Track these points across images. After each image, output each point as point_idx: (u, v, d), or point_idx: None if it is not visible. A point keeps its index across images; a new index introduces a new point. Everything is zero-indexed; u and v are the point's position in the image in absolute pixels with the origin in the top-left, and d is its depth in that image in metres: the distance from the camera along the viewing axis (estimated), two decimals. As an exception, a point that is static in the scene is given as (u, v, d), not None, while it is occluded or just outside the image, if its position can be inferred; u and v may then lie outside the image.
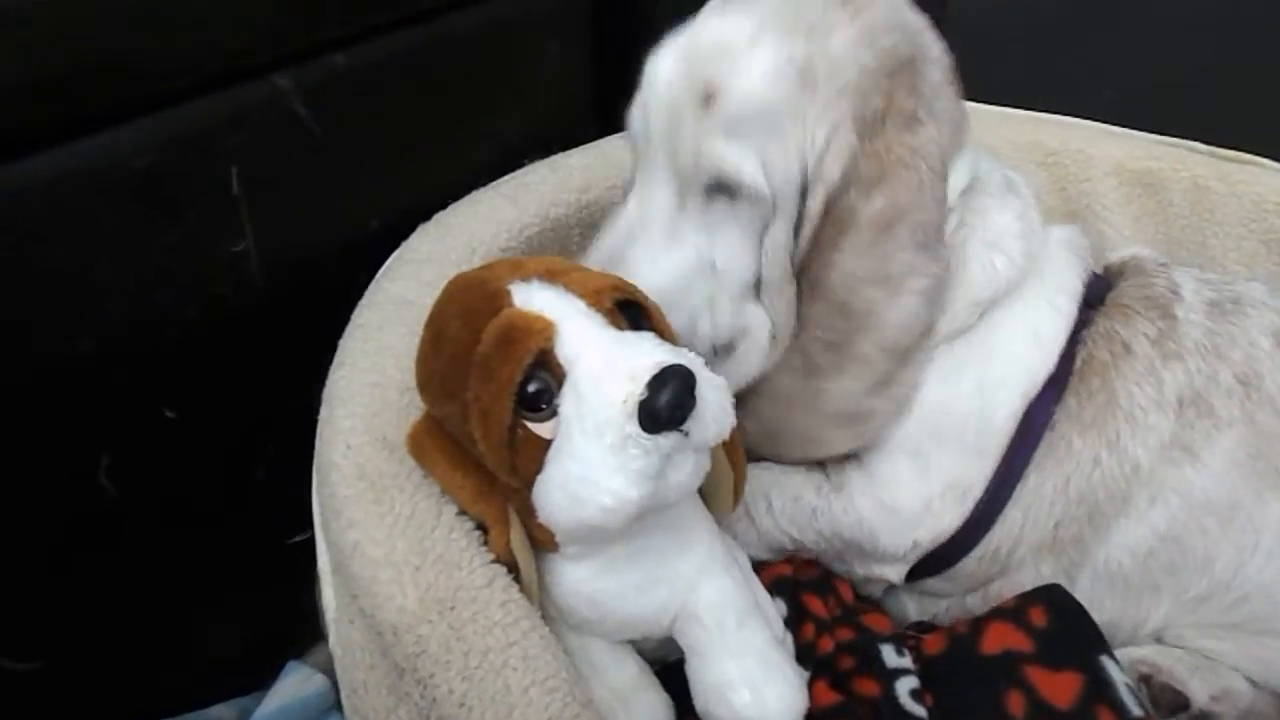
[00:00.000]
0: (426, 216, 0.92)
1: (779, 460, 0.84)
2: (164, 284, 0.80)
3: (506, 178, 1.00)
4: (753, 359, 0.80)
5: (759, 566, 0.82)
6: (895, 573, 0.83)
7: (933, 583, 0.85)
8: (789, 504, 0.83)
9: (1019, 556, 0.82)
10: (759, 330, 0.79)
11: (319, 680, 1.01)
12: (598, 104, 1.19)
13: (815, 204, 0.73)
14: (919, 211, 0.73)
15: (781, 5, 0.72)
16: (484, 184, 0.98)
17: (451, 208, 0.95)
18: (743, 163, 0.71)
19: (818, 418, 0.78)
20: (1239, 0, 1.38)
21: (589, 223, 1.01)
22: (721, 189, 0.73)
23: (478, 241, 0.90)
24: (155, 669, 0.94)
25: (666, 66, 0.72)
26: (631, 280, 0.68)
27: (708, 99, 0.70)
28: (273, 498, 0.88)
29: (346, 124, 0.90)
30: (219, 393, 0.88)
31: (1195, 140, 1.08)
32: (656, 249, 0.75)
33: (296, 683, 1.01)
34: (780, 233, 0.75)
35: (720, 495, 0.72)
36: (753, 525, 0.84)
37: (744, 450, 0.72)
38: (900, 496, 0.80)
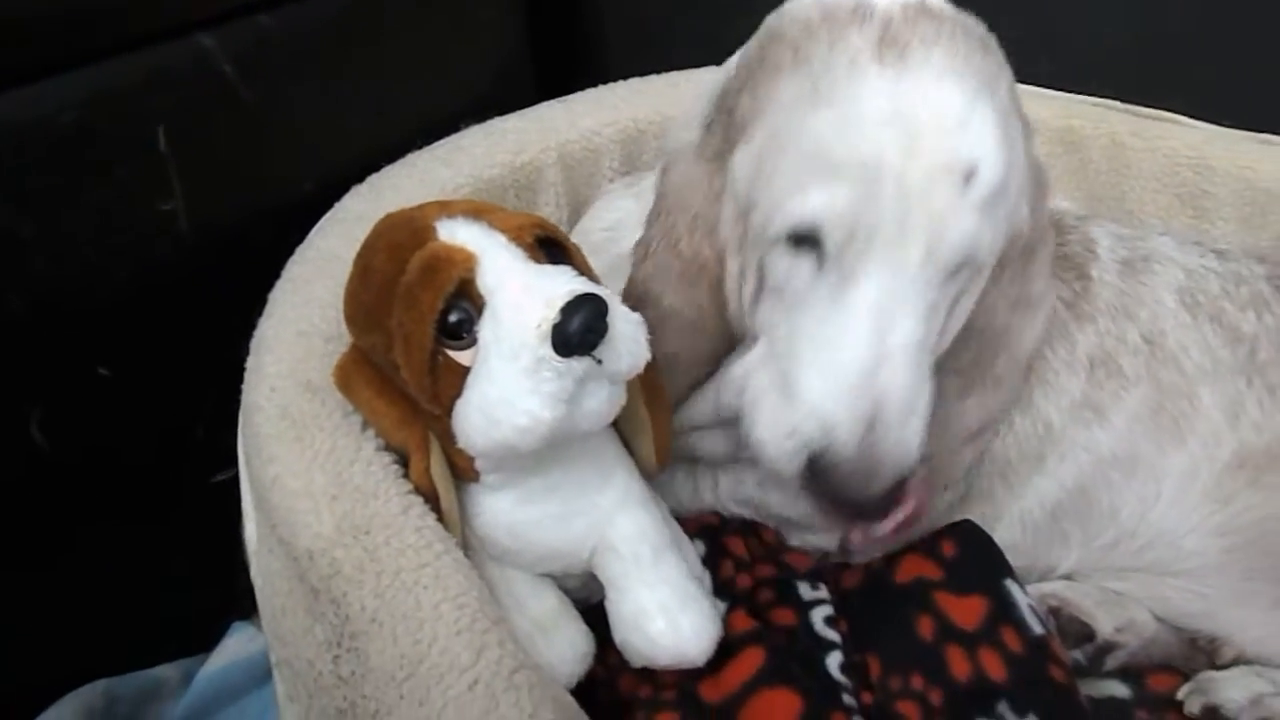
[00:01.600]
0: (361, 178, 0.94)
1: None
2: (93, 242, 0.81)
3: (441, 141, 1.01)
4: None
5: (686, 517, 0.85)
6: (829, 542, 0.85)
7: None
8: (733, 485, 0.85)
9: (938, 515, 0.84)
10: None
11: (264, 640, 1.02)
12: (534, 70, 1.20)
13: (1014, 252, 0.70)
14: (1050, 234, 0.74)
15: (953, 61, 0.64)
16: (420, 148, 0.99)
17: (385, 170, 0.96)
18: (989, 235, 0.64)
19: (948, 440, 0.76)
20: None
21: (524, 185, 1.03)
22: (956, 269, 0.65)
23: (410, 202, 0.88)
24: (97, 629, 0.95)
25: (894, 143, 0.61)
26: (912, 411, 0.61)
27: (968, 177, 0.62)
28: (212, 456, 0.89)
29: (275, 85, 0.91)
30: (153, 351, 0.89)
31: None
32: (919, 355, 0.64)
33: (241, 642, 1.02)
34: (975, 294, 0.70)
35: (642, 447, 0.74)
36: (698, 499, 0.86)
37: (669, 408, 0.74)
38: None
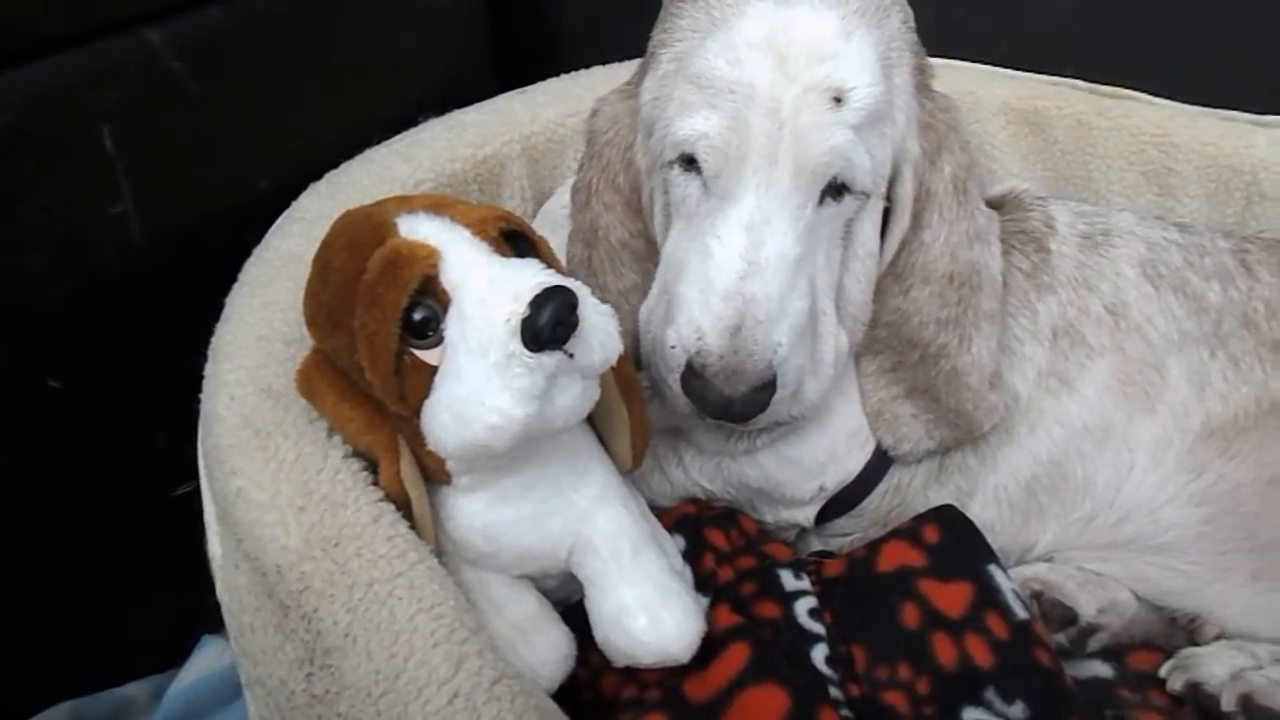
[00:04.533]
0: (318, 176, 0.91)
1: (942, 448, 0.81)
2: (37, 247, 0.78)
3: (400, 135, 0.99)
4: (820, 385, 0.74)
5: (664, 510, 0.84)
6: (804, 516, 0.85)
7: (841, 522, 0.87)
8: (697, 457, 0.84)
9: (914, 488, 0.84)
10: (829, 354, 0.74)
11: (234, 653, 0.99)
12: (493, 62, 1.18)
13: (907, 188, 0.73)
14: (974, 166, 0.76)
15: None
16: (378, 142, 0.97)
17: (344, 166, 0.94)
18: (865, 157, 0.69)
19: (970, 392, 0.77)
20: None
21: (487, 178, 1.01)
22: (830, 189, 0.70)
23: (370, 198, 0.86)
24: (62, 648, 0.92)
25: (765, 69, 0.66)
26: (780, 319, 0.66)
27: (838, 100, 0.67)
28: (175, 465, 0.86)
29: (226, 81, 0.88)
30: (106, 361, 0.86)
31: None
32: (792, 272, 0.68)
33: (211, 657, 1.00)
34: (870, 227, 0.73)
35: (618, 443, 0.72)
36: (665, 478, 0.85)
37: (644, 402, 0.73)
38: (803, 449, 0.81)
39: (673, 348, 0.69)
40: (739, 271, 0.67)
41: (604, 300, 0.79)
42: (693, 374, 0.68)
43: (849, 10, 0.69)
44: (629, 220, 0.79)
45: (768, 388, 0.67)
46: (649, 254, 0.79)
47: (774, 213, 0.67)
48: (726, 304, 0.66)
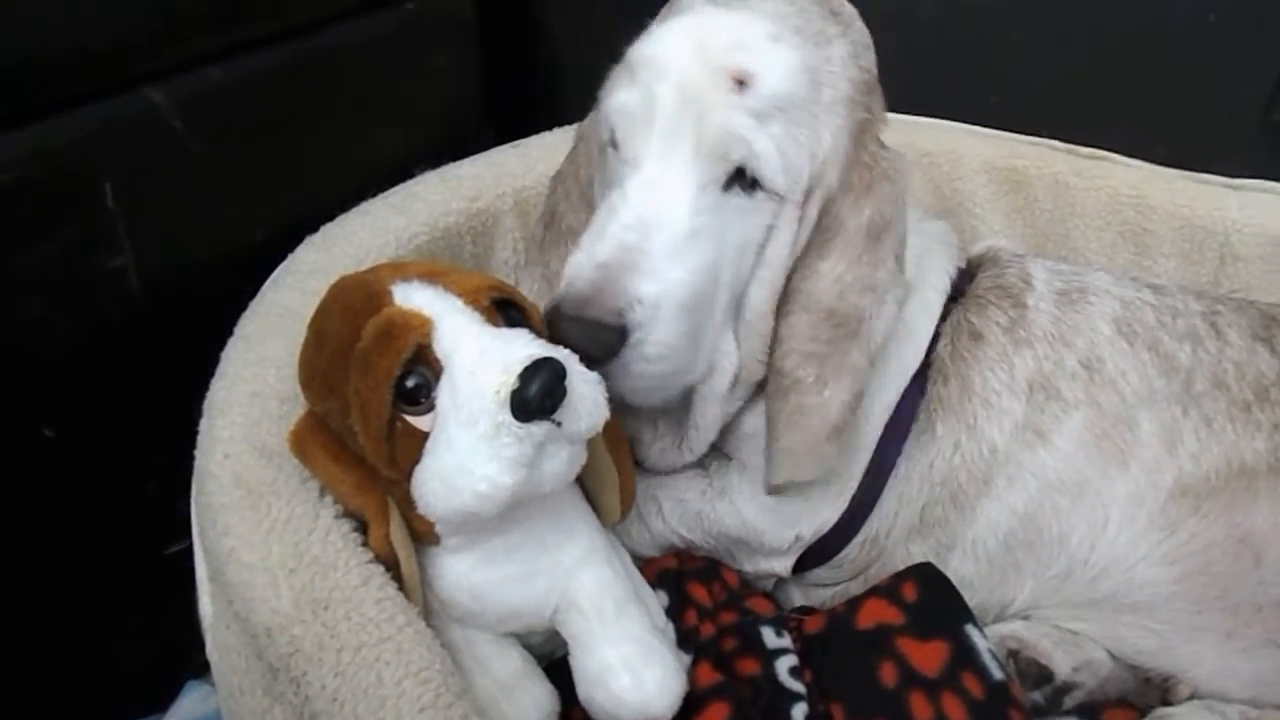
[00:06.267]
0: (314, 228, 0.93)
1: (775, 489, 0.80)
2: (37, 300, 0.79)
3: (396, 188, 1.00)
4: (711, 408, 0.78)
5: (646, 561, 0.85)
6: (782, 565, 0.86)
7: (819, 572, 0.88)
8: (677, 506, 0.85)
9: (894, 540, 0.85)
10: (726, 365, 0.76)
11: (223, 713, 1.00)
12: (488, 115, 1.20)
13: (813, 209, 0.75)
14: (898, 224, 0.77)
15: (782, 9, 0.74)
16: (373, 195, 0.98)
17: (339, 219, 0.95)
18: (770, 149, 0.70)
19: (808, 435, 0.76)
20: (1112, 11, 1.46)
21: (480, 231, 1.03)
22: (741, 180, 0.72)
23: (365, 251, 0.90)
24: (48, 693, 0.92)
25: (682, 51, 0.71)
26: (650, 276, 0.67)
27: (740, 84, 0.70)
28: (164, 512, 0.86)
29: (225, 138, 0.90)
30: (101, 412, 0.87)
31: (1067, 140, 1.14)
32: (680, 239, 0.70)
33: (196, 701, 1.00)
34: (785, 236, 0.74)
35: (606, 498, 0.74)
36: (645, 528, 0.86)
37: (631, 458, 0.74)
38: (780, 497, 0.82)
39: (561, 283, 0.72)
40: (625, 223, 0.69)
41: (544, 276, 0.86)
42: (555, 306, 0.69)
43: (785, 24, 0.72)
44: (581, 209, 0.83)
45: (610, 331, 0.67)
46: None
47: (672, 182, 0.70)
48: (602, 245, 0.69)
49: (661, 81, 0.70)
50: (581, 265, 0.69)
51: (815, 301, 0.75)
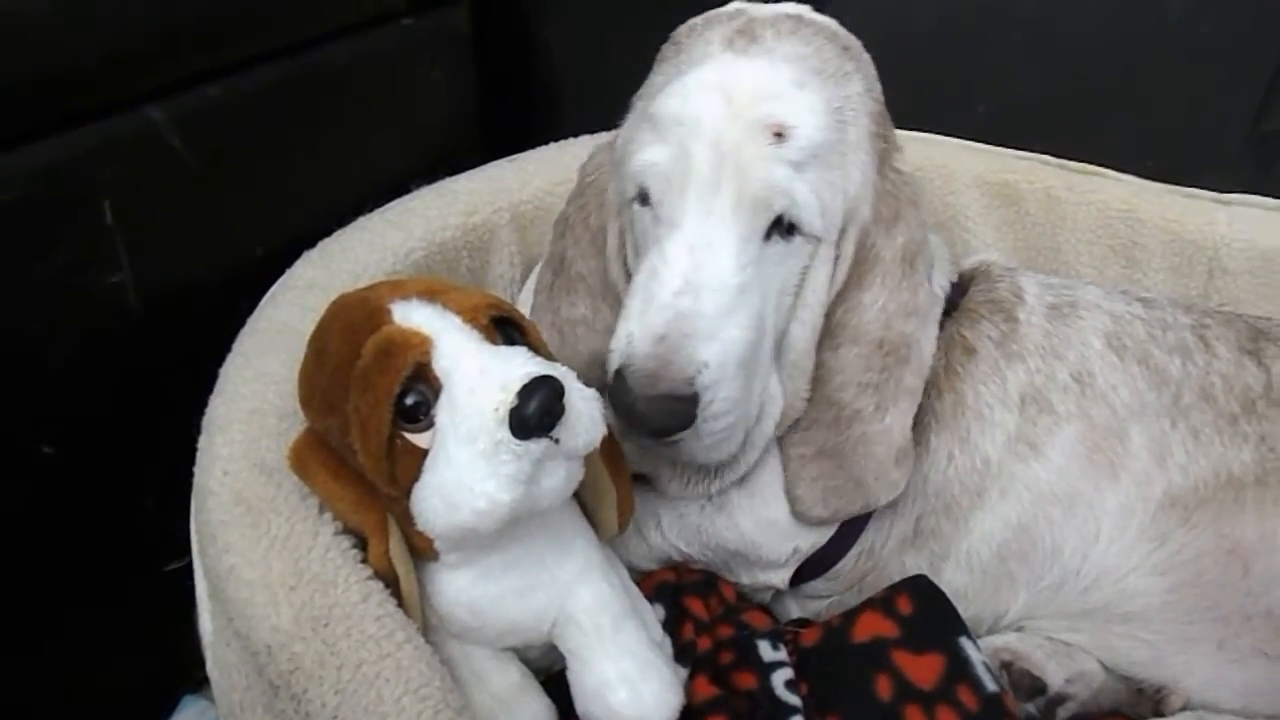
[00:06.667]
0: (312, 244, 0.93)
1: (835, 517, 0.82)
2: (36, 317, 0.80)
3: (392, 204, 1.01)
4: (757, 449, 0.79)
5: (644, 574, 0.86)
6: (779, 578, 0.87)
7: (815, 584, 0.89)
8: (676, 520, 0.86)
9: (889, 551, 0.86)
10: (772, 408, 0.78)
11: (215, 713, 1.00)
12: (483, 130, 1.21)
13: (849, 246, 0.76)
14: (926, 247, 0.79)
15: (800, 51, 0.74)
16: (370, 211, 0.99)
17: (337, 234, 0.96)
18: (810, 197, 0.71)
19: (877, 463, 0.78)
20: (1101, 25, 1.48)
21: (477, 246, 1.04)
22: (778, 227, 0.72)
23: (363, 267, 0.91)
24: (41, 708, 0.92)
25: (712, 105, 0.70)
26: (709, 339, 0.67)
27: (778, 136, 0.70)
28: (164, 529, 0.87)
29: (224, 155, 0.90)
30: (100, 429, 0.87)
31: (1057, 152, 1.15)
32: (730, 296, 0.69)
33: (193, 716, 1.00)
34: (823, 275, 0.75)
35: (604, 514, 0.75)
36: (643, 541, 0.87)
37: (629, 472, 0.75)
38: (779, 510, 0.83)
39: (611, 353, 0.71)
40: (675, 288, 0.69)
41: (554, 324, 0.86)
42: (619, 379, 0.69)
43: (805, 67, 0.73)
44: (591, 257, 0.83)
45: (685, 402, 0.68)
46: (603, 292, 0.83)
47: (715, 239, 0.70)
48: (658, 315, 0.68)
49: (695, 139, 0.70)
50: (638, 339, 0.69)
51: (863, 333, 0.77)
